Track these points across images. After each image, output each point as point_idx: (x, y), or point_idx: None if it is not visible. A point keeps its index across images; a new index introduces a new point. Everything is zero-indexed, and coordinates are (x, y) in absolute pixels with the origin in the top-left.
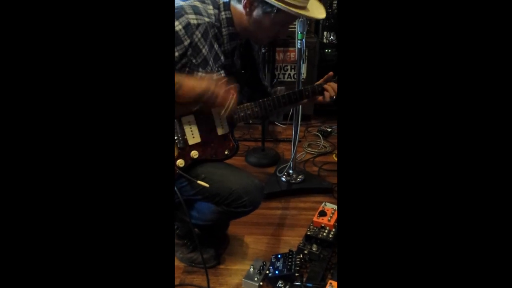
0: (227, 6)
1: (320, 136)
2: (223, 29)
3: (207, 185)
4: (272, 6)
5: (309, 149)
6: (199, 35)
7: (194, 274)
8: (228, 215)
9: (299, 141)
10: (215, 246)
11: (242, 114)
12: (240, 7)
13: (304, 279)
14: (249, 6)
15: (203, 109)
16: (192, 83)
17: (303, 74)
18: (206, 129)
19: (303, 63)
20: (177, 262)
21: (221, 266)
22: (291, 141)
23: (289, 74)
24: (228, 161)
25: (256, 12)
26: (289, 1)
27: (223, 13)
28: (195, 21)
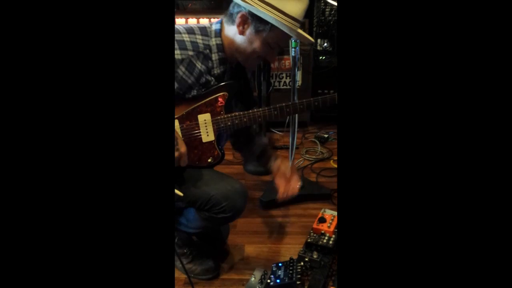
0: (217, 33)
1: (317, 142)
2: (213, 55)
3: (181, 194)
4: (265, 24)
5: (307, 155)
6: (183, 69)
7: (196, 285)
8: (212, 222)
9: (297, 148)
10: (214, 257)
11: (229, 124)
12: (232, 29)
13: (306, 286)
14: (243, 24)
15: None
16: None
17: (298, 81)
18: (190, 135)
19: (298, 70)
20: (177, 274)
21: (222, 276)
22: (288, 148)
23: (285, 82)
24: (226, 170)
25: (249, 31)
26: (283, 21)
27: (213, 39)
28: (179, 57)
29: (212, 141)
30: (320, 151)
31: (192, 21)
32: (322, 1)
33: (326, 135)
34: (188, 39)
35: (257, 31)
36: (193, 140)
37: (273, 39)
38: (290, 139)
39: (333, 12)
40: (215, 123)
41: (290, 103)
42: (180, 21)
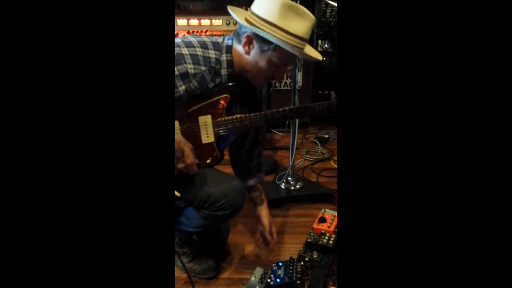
0: (229, 49)
1: (318, 142)
2: (222, 70)
3: (178, 194)
4: (269, 44)
5: (307, 156)
6: (195, 83)
7: (196, 284)
8: (211, 220)
9: (297, 148)
10: (215, 256)
11: (230, 126)
12: (240, 48)
13: (306, 286)
14: (248, 44)
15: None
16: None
17: (299, 82)
18: (189, 135)
19: (298, 71)
20: (178, 273)
21: (222, 276)
22: (289, 148)
23: (285, 83)
24: (226, 169)
25: (254, 51)
26: (286, 40)
27: (224, 55)
28: (193, 71)
29: (211, 142)
30: (321, 152)
31: (194, 22)
32: (323, 2)
33: (326, 136)
34: (201, 53)
35: (262, 51)
36: (192, 140)
37: (278, 58)
38: (291, 140)
39: (334, 13)
40: (215, 125)
41: (293, 107)
42: (181, 22)
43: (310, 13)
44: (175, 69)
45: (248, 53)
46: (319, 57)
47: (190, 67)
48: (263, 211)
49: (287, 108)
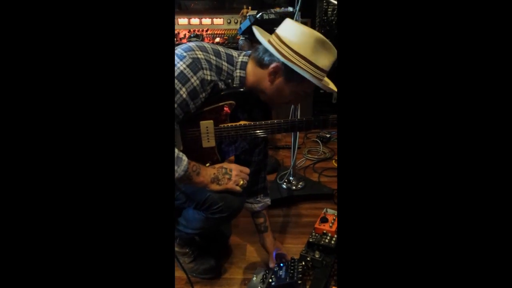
0: (243, 65)
1: (320, 142)
2: (234, 85)
3: None
4: (297, 76)
5: (309, 155)
6: (209, 90)
7: (198, 284)
8: (209, 222)
9: (299, 148)
10: (216, 256)
11: (232, 133)
12: (259, 72)
13: (307, 286)
14: (275, 74)
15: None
16: (207, 178)
17: None
18: (190, 138)
19: None
20: (179, 273)
21: (224, 276)
22: (290, 148)
23: None
24: None
25: (279, 81)
26: (315, 75)
27: (238, 71)
28: (209, 77)
29: (212, 147)
30: (322, 151)
31: (195, 21)
32: (324, 1)
33: (328, 135)
34: (215, 62)
35: (288, 82)
36: (192, 143)
37: (303, 89)
38: (292, 139)
39: (335, 12)
40: (217, 131)
41: (303, 118)
42: (182, 21)
43: (334, 47)
44: (194, 77)
45: (272, 81)
46: (335, 88)
47: (207, 73)
48: (267, 239)
49: (296, 119)
